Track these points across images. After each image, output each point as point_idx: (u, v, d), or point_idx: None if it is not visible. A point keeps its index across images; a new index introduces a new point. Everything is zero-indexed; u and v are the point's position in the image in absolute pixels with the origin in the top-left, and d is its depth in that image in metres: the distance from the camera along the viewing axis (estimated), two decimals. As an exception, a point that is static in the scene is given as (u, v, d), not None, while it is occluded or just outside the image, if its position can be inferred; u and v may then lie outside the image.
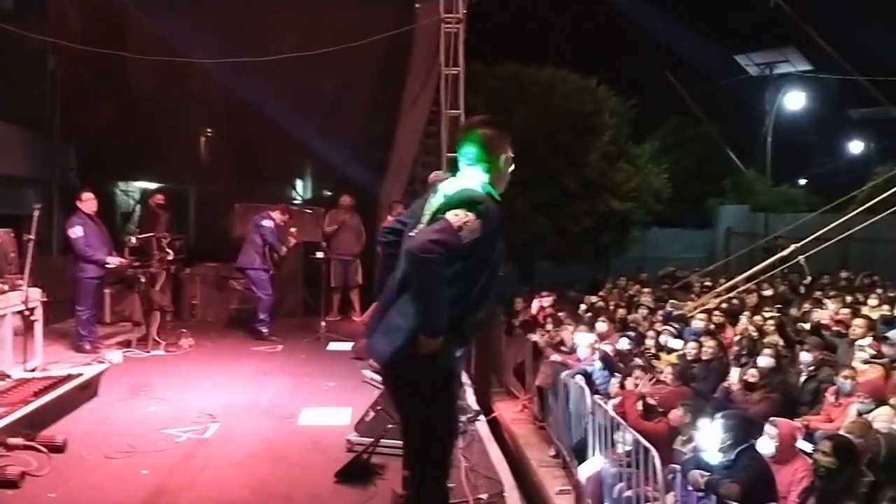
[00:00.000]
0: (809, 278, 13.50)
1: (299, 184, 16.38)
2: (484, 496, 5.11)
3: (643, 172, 16.29)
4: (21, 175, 12.03)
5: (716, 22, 23.14)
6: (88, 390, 7.14)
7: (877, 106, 23.78)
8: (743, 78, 22.58)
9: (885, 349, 7.99)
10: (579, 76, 15.93)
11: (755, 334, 9.26)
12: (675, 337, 9.55)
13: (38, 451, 5.48)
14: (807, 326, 9.70)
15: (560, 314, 10.98)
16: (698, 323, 9.94)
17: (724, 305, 11.14)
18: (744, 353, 8.38)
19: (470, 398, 7.53)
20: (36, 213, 7.79)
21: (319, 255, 10.85)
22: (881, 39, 22.34)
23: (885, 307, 10.79)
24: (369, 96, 12.93)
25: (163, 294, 9.95)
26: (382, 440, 5.43)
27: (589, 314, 11.20)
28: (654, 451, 5.93)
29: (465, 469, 5.45)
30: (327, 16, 11.59)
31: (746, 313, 10.62)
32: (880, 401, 6.54)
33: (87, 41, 11.01)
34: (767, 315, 10.21)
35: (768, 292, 12.75)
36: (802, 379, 7.79)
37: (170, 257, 9.92)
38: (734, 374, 7.90)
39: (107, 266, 9.22)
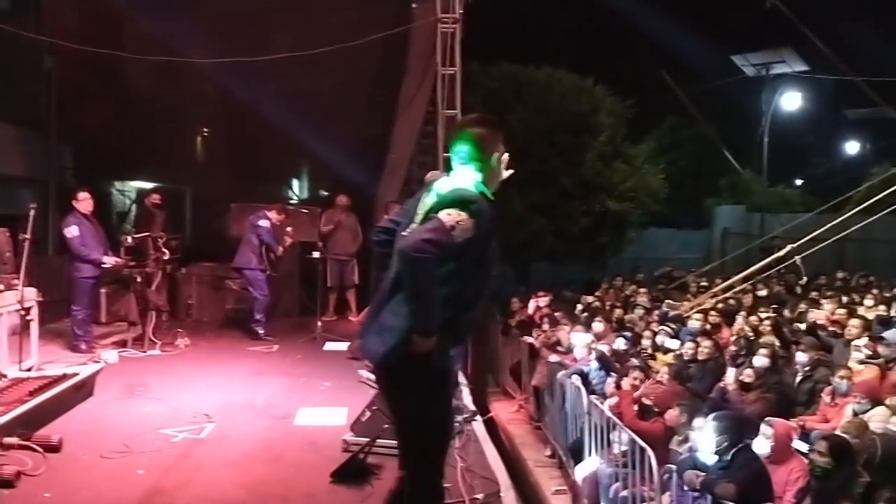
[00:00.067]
0: (805, 278, 13.51)
1: (296, 184, 16.39)
2: (480, 496, 5.11)
3: (640, 173, 16.29)
4: (17, 174, 12.01)
5: (712, 22, 23.13)
6: (84, 390, 7.14)
7: (873, 107, 23.80)
8: (739, 78, 22.60)
9: (880, 349, 7.99)
10: (576, 76, 15.92)
11: (751, 335, 9.27)
12: (672, 337, 9.56)
13: (34, 450, 5.47)
14: (803, 327, 9.71)
15: (556, 314, 10.98)
16: (694, 323, 9.94)
17: (720, 306, 11.15)
18: (742, 353, 8.37)
19: (466, 398, 7.54)
20: (32, 213, 7.78)
21: (316, 255, 10.85)
22: (877, 40, 22.39)
23: (882, 307, 10.79)
24: (366, 96, 12.93)
25: (159, 294, 9.95)
26: (378, 440, 5.44)
27: (585, 314, 11.20)
28: (650, 451, 5.94)
29: (462, 469, 5.46)
30: (324, 16, 11.58)
31: (742, 313, 10.63)
32: (876, 401, 6.55)
33: (83, 41, 10.99)
34: (763, 315, 10.21)
35: (763, 292, 12.75)
36: (798, 379, 7.79)
37: (166, 257, 9.93)
38: (730, 374, 7.90)
39: (103, 266, 9.21)
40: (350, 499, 5.03)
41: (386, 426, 5.38)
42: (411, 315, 3.36)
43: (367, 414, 5.85)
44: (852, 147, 32.01)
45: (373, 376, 6.95)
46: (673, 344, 9.29)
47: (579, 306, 12.06)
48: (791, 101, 23.81)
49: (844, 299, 11.50)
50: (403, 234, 3.59)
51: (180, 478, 5.34)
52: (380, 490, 5.00)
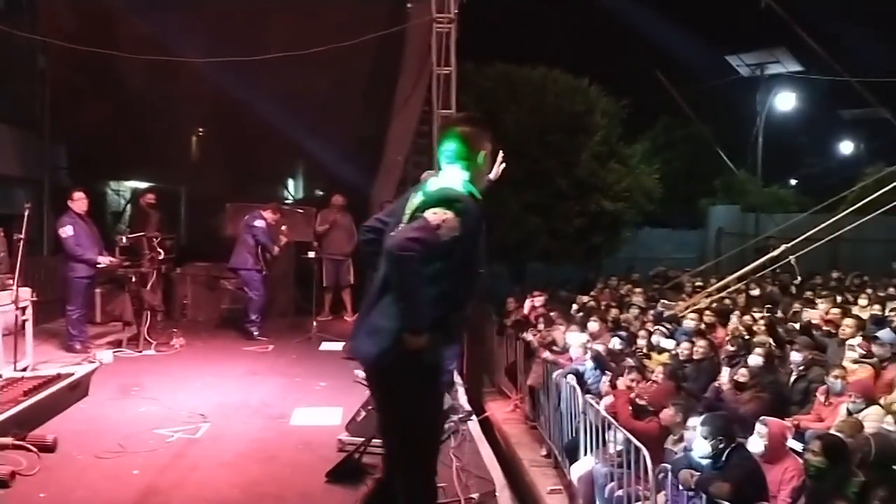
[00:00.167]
0: (800, 278, 13.55)
1: (291, 183, 16.38)
2: (475, 495, 5.11)
3: (634, 173, 16.32)
4: (11, 174, 11.98)
5: (707, 23, 23.20)
6: (79, 390, 7.12)
7: (867, 107, 23.89)
8: (734, 78, 22.65)
9: (874, 349, 8.03)
10: (571, 76, 15.95)
11: (746, 335, 9.29)
12: (667, 337, 9.58)
13: (29, 450, 5.45)
14: (797, 326, 9.74)
15: (552, 314, 10.99)
16: (689, 323, 9.96)
17: (714, 305, 11.17)
18: (741, 352, 8.38)
19: (462, 398, 7.54)
20: (26, 213, 7.77)
21: (311, 254, 10.85)
22: (871, 40, 22.47)
23: (876, 307, 10.83)
24: (361, 96, 12.91)
25: (153, 294, 9.93)
26: (374, 440, 5.42)
27: (581, 314, 11.22)
28: (645, 451, 5.95)
29: (457, 468, 5.46)
30: (319, 15, 11.57)
31: (736, 313, 10.66)
32: (871, 400, 6.58)
33: (78, 40, 10.95)
34: (757, 315, 10.24)
35: (756, 292, 12.79)
36: (793, 378, 7.81)
37: (160, 257, 9.91)
38: (725, 373, 7.92)
39: (97, 266, 9.20)
40: (345, 499, 5.02)
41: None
42: (400, 314, 3.37)
43: (363, 414, 5.85)
44: (846, 147, 32.13)
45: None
46: (668, 344, 9.31)
47: (574, 306, 12.08)
48: (785, 101, 23.89)
49: (839, 299, 11.54)
50: (391, 234, 3.60)
51: (175, 478, 5.33)
52: (375, 490, 5.01)
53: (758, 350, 8.04)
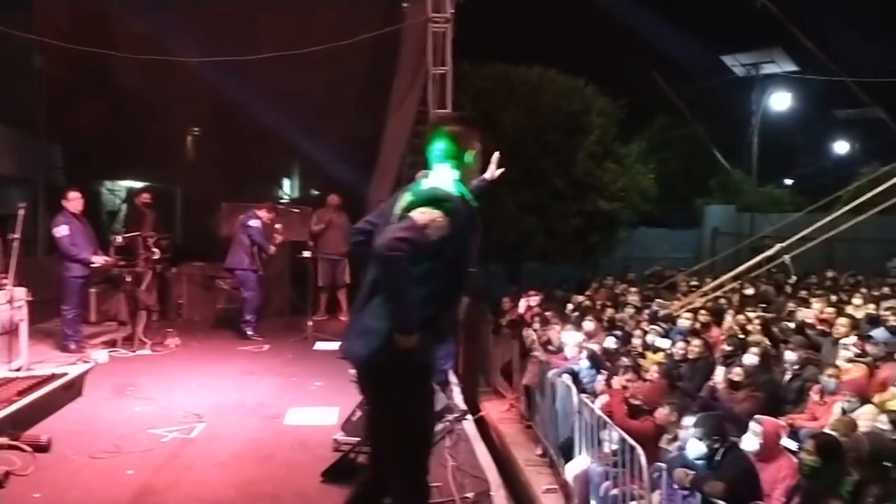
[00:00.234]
0: (794, 278, 13.58)
1: (286, 183, 16.37)
2: (470, 495, 5.11)
3: (630, 172, 16.34)
4: (7, 174, 11.98)
5: (703, 23, 23.25)
6: (73, 390, 7.11)
7: (862, 107, 23.96)
8: (729, 78, 22.71)
9: (868, 348, 8.05)
10: (567, 76, 15.95)
11: (741, 334, 9.31)
12: (662, 336, 9.59)
13: (23, 450, 5.45)
14: (791, 325, 9.76)
15: (547, 313, 11.00)
16: (684, 322, 9.98)
17: (709, 304, 11.19)
18: (738, 352, 8.39)
19: (457, 397, 7.54)
20: (21, 212, 7.75)
21: (307, 254, 10.84)
22: (866, 41, 22.53)
23: (871, 306, 10.86)
24: (357, 96, 12.90)
25: (149, 293, 9.92)
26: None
27: (576, 313, 11.23)
28: (640, 450, 5.96)
29: (452, 468, 5.46)
30: (315, 15, 11.57)
31: (730, 312, 10.68)
32: (865, 399, 6.59)
33: (73, 40, 10.95)
34: (752, 315, 10.26)
35: (750, 291, 12.81)
36: (787, 377, 7.83)
37: (156, 256, 9.89)
38: (719, 372, 7.93)
39: (92, 265, 9.17)
40: (340, 498, 4.96)
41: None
42: (390, 315, 3.37)
43: (358, 413, 5.84)
44: (841, 147, 32.18)
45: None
46: (663, 343, 9.33)
47: (570, 305, 12.09)
48: (781, 101, 23.92)
49: (833, 298, 11.56)
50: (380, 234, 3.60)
51: (170, 478, 5.32)
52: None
53: (753, 349, 8.05)
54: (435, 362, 3.69)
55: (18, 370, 7.43)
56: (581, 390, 8.04)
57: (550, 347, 9.81)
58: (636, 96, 18.20)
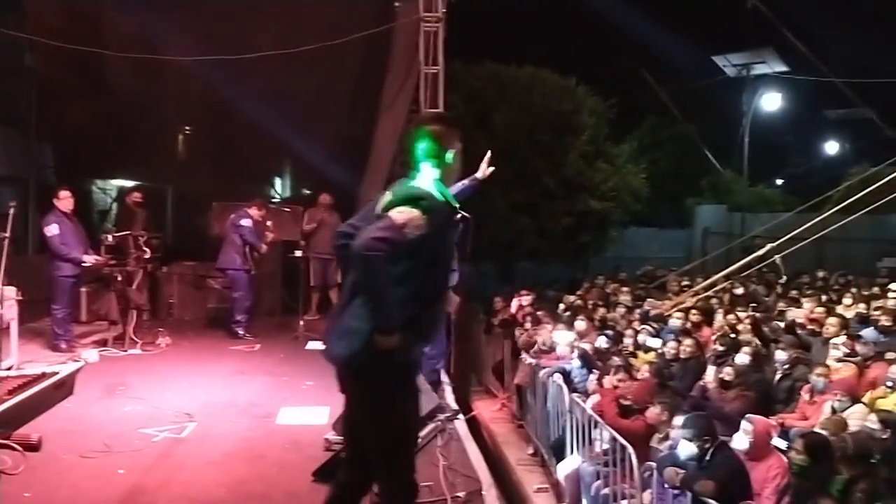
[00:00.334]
0: (785, 277, 13.63)
1: (278, 182, 16.33)
2: (462, 494, 5.12)
3: (621, 172, 16.39)
4: (-3, 172, 11.94)
5: (693, 23, 23.31)
6: (64, 389, 7.08)
7: (852, 107, 24.08)
8: (720, 79, 22.76)
9: (858, 347, 8.09)
10: (558, 76, 15.99)
11: (732, 334, 9.33)
12: (653, 336, 9.61)
13: (13, 449, 5.42)
14: (781, 325, 9.79)
15: (539, 313, 11.02)
16: (675, 321, 10.00)
17: (700, 304, 11.22)
18: (729, 352, 8.41)
19: (449, 397, 7.55)
20: (11, 211, 7.72)
21: (298, 253, 10.83)
22: (856, 42, 22.62)
23: (861, 306, 10.90)
24: (348, 95, 12.88)
25: (139, 293, 9.89)
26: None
27: (568, 313, 11.25)
28: (630, 449, 5.98)
29: (444, 467, 5.47)
30: (306, 14, 11.55)
31: (720, 311, 10.72)
32: (855, 398, 6.63)
33: (65, 38, 10.90)
34: (742, 314, 10.29)
35: (739, 290, 12.86)
36: (778, 377, 7.86)
37: (147, 256, 9.87)
38: (710, 372, 7.96)
39: (83, 264, 9.15)
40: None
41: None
42: (371, 315, 3.38)
43: (349, 413, 5.85)
44: (832, 147, 32.30)
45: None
46: (654, 342, 9.35)
47: (562, 305, 12.11)
48: (771, 101, 23.98)
49: (823, 298, 11.61)
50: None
51: (161, 477, 5.32)
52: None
53: (745, 349, 8.08)
54: (417, 361, 3.69)
55: (9, 369, 7.40)
56: (573, 390, 8.07)
57: (543, 347, 9.82)
58: (627, 96, 18.29)
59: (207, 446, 6.00)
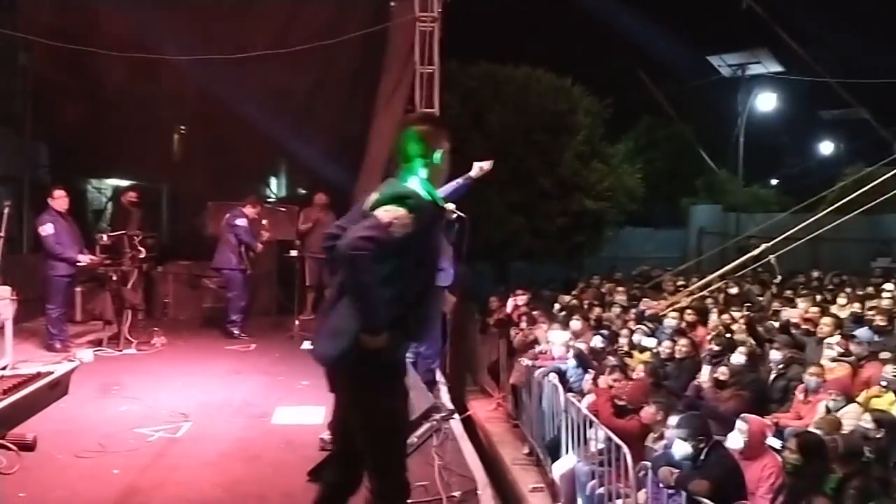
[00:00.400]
0: (780, 277, 13.66)
1: (273, 182, 16.30)
2: (457, 494, 5.12)
3: (617, 172, 16.41)
4: (-9, 172, 11.90)
5: (689, 23, 23.33)
6: (59, 389, 7.06)
7: (847, 107, 24.11)
8: (715, 79, 22.81)
9: (852, 347, 8.12)
10: (554, 76, 16.01)
11: (727, 333, 9.36)
12: (648, 335, 9.63)
13: (8, 449, 5.41)
14: (776, 325, 9.82)
15: (534, 313, 11.03)
16: (670, 321, 10.02)
17: (695, 304, 11.24)
18: (725, 352, 8.43)
19: (444, 396, 7.54)
20: (6, 211, 7.72)
21: (294, 253, 10.81)
22: (851, 42, 22.67)
23: (856, 305, 10.92)
24: (344, 95, 12.86)
25: (134, 292, 9.87)
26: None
27: (563, 313, 11.26)
28: (625, 449, 5.99)
29: (439, 467, 5.47)
30: (302, 14, 11.55)
31: (715, 311, 10.74)
32: (849, 398, 6.65)
33: (59, 37, 10.88)
34: (737, 314, 10.31)
35: (734, 290, 12.89)
36: (772, 377, 7.88)
37: (142, 255, 9.85)
38: (705, 372, 7.98)
39: (78, 264, 9.12)
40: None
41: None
42: (358, 315, 3.37)
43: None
44: (826, 147, 32.33)
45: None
46: (649, 342, 9.37)
47: (557, 305, 12.12)
48: (766, 101, 24.03)
49: (818, 298, 11.64)
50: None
51: (156, 477, 5.31)
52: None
53: (740, 349, 8.10)
54: (405, 360, 3.69)
55: (3, 369, 7.37)
56: (568, 389, 8.08)
57: (538, 346, 9.83)
58: (622, 96, 18.30)
59: (203, 446, 5.99)
